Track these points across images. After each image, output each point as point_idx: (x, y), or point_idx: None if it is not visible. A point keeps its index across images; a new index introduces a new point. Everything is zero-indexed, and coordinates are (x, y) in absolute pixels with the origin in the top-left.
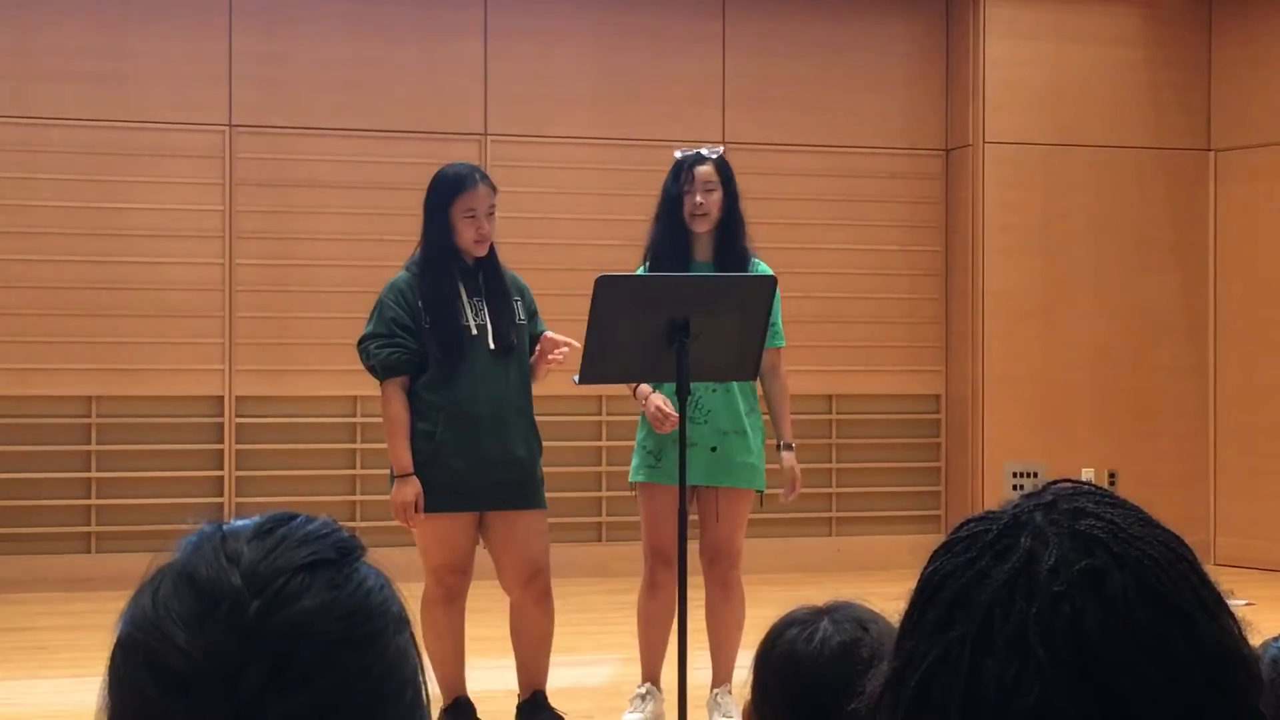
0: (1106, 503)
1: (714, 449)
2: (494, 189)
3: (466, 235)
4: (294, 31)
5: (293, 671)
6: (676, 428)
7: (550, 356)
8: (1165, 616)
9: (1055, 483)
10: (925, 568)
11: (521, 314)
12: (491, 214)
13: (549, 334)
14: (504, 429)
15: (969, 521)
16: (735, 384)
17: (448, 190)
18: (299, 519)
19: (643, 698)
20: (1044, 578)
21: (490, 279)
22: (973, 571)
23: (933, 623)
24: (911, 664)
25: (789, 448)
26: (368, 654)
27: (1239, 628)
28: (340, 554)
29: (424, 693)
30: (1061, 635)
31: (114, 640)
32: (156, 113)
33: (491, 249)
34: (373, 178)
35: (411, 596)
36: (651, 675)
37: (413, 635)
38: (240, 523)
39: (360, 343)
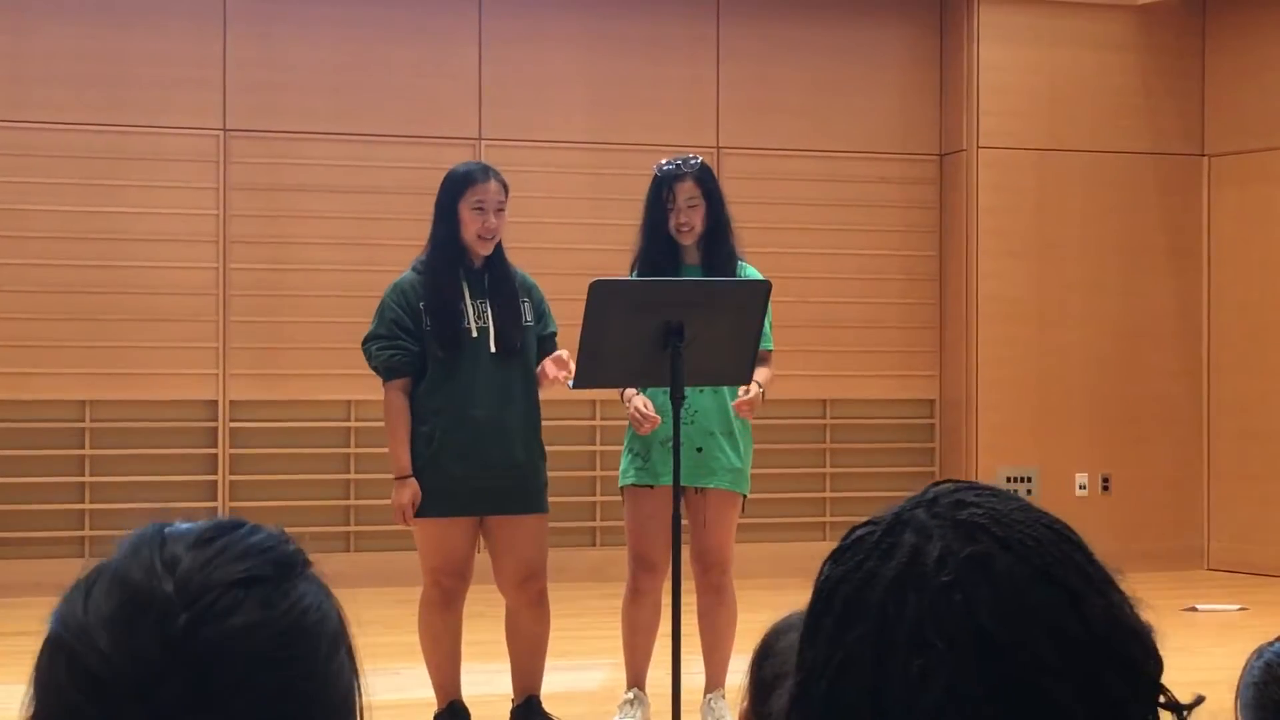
0: (987, 493)
1: (699, 449)
2: (505, 187)
3: (472, 228)
4: (288, 36)
5: (213, 687)
6: (658, 429)
7: (551, 376)
8: (1054, 594)
9: (938, 483)
10: (817, 577)
11: (529, 316)
12: (500, 211)
13: (563, 355)
14: (504, 433)
15: (855, 528)
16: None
17: (458, 184)
18: (244, 529)
19: (631, 703)
20: (931, 569)
21: (496, 280)
22: (861, 573)
23: (830, 630)
24: (815, 674)
25: (757, 385)
26: (293, 676)
27: (1130, 604)
28: (279, 571)
29: (356, 714)
30: (957, 623)
31: (43, 637)
32: (151, 117)
33: (499, 249)
34: (367, 182)
35: (406, 600)
36: (637, 681)
37: (351, 654)
38: (184, 526)
39: (364, 343)
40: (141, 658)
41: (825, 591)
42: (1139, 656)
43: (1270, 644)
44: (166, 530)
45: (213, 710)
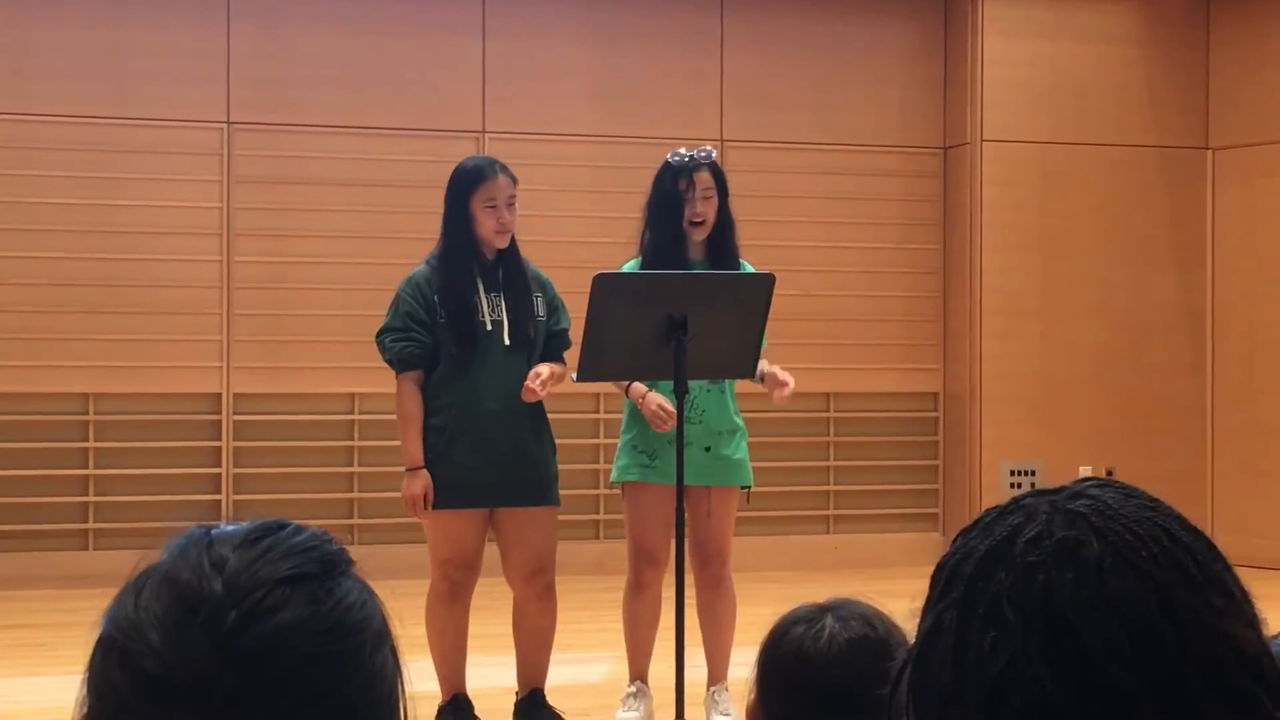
0: (1112, 489)
1: (708, 448)
2: (514, 180)
3: (487, 225)
4: (292, 29)
5: (264, 684)
6: (672, 428)
7: (529, 385)
8: (1141, 586)
9: (1084, 479)
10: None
11: (541, 310)
12: (512, 204)
13: (542, 372)
14: (517, 425)
15: (987, 510)
16: (727, 383)
17: (468, 181)
18: (288, 529)
19: (634, 696)
20: (1021, 548)
21: (510, 274)
22: (965, 549)
23: (934, 601)
24: (916, 640)
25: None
26: (341, 671)
27: (1244, 612)
28: (324, 569)
29: (400, 711)
30: (1033, 601)
31: (95, 638)
32: (155, 110)
33: (513, 242)
34: (371, 175)
35: (410, 593)
36: (639, 674)
37: (394, 650)
38: (229, 528)
39: (378, 335)
40: (193, 656)
41: (939, 566)
42: (1228, 661)
43: (1274, 638)
44: (213, 532)
45: (263, 705)
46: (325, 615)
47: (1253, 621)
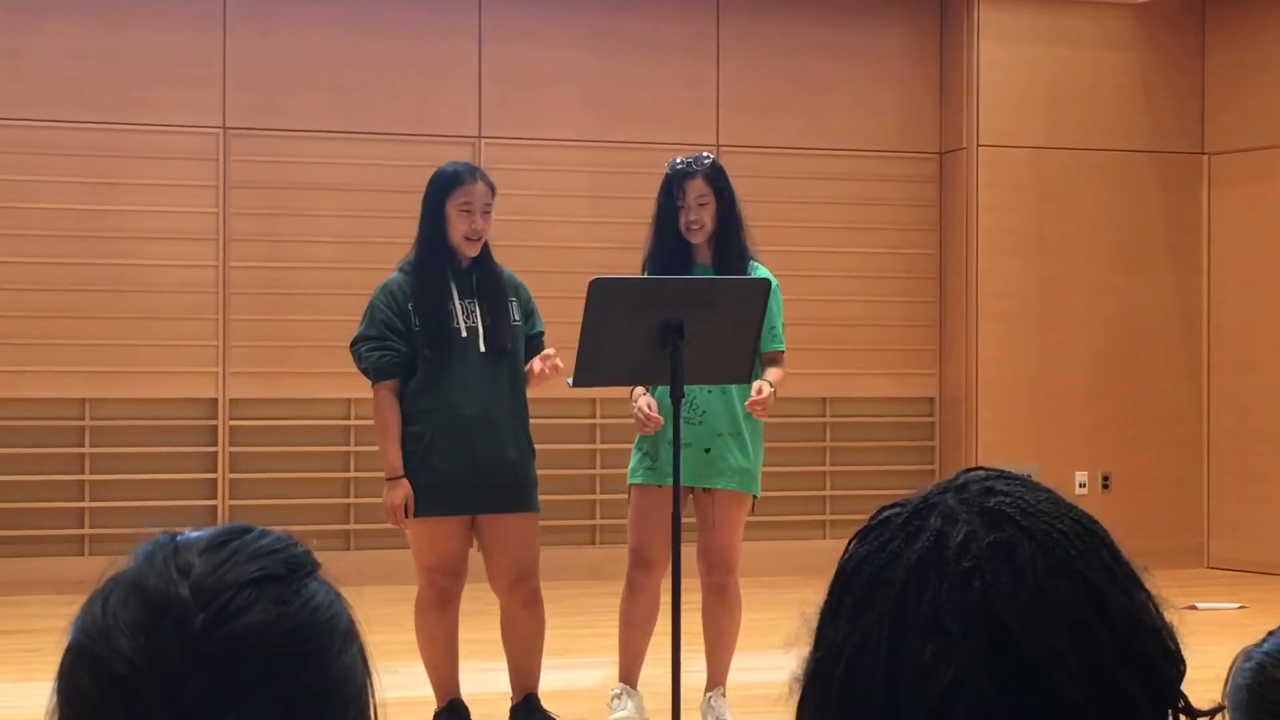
0: (1017, 483)
1: (707, 450)
2: (492, 189)
3: (459, 229)
4: (288, 34)
5: (235, 684)
6: (663, 429)
7: (538, 371)
8: (1074, 587)
9: (969, 470)
10: (841, 556)
11: (517, 315)
12: (487, 212)
13: (550, 352)
14: (495, 431)
15: (882, 509)
16: (734, 386)
17: (445, 184)
18: (254, 533)
19: (618, 697)
20: (953, 554)
21: (484, 280)
22: (885, 554)
23: (850, 609)
24: (834, 652)
25: (768, 382)
26: (310, 670)
27: (1154, 603)
28: (290, 570)
29: (370, 710)
30: (973, 610)
31: (64, 645)
32: (151, 115)
33: (486, 249)
34: (367, 180)
35: (406, 599)
36: (627, 677)
37: (363, 652)
38: (195, 534)
39: (353, 344)
40: (163, 659)
41: (848, 570)
42: (1157, 657)
43: (1258, 645)
44: (178, 538)
45: (234, 707)
46: (292, 616)
47: (1159, 606)
